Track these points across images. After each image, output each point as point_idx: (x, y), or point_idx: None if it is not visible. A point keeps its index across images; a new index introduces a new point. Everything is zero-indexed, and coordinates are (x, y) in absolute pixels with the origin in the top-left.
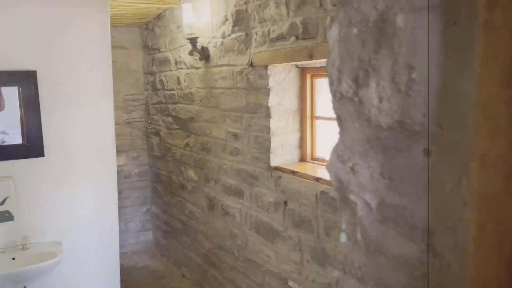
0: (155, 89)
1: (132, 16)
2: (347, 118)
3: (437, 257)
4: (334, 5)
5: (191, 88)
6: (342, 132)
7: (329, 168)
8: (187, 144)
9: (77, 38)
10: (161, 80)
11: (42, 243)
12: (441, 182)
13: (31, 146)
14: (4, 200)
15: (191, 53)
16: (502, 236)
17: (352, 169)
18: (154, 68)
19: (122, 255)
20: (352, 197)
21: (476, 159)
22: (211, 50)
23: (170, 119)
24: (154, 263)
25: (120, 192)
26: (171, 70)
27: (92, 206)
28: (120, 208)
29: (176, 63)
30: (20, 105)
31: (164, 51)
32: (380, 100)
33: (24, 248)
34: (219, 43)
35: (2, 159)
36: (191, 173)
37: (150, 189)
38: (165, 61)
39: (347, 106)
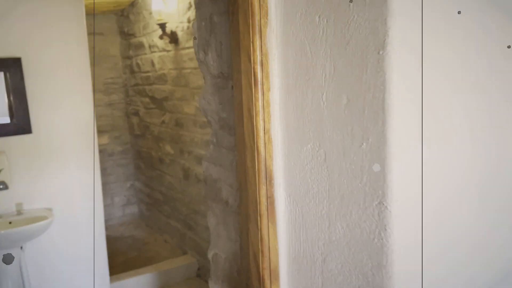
0: (132, 72)
1: (108, 4)
2: (205, 73)
3: (236, 136)
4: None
5: (164, 70)
6: (205, 83)
7: (199, 104)
8: (163, 122)
9: (56, 26)
10: (137, 64)
11: (34, 209)
12: (237, 101)
13: (19, 124)
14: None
15: (161, 37)
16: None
17: (208, 102)
18: (131, 52)
19: (109, 227)
20: (210, 118)
21: (234, 86)
22: (179, 34)
23: (147, 99)
24: (139, 232)
25: (104, 169)
26: (145, 54)
27: (77, 176)
28: (106, 184)
29: (149, 47)
30: (7, 88)
31: (139, 36)
32: (213, 61)
33: (19, 213)
34: (185, 27)
35: None
36: (168, 147)
37: (133, 165)
38: (140, 46)
39: (203, 66)
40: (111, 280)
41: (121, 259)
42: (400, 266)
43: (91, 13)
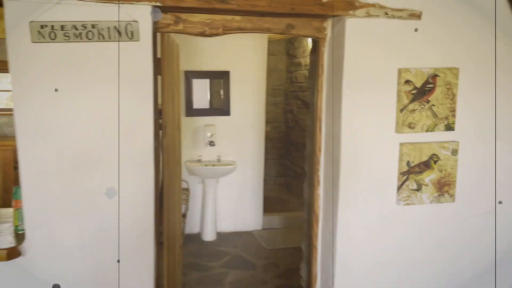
0: (291, 82)
1: (280, 35)
2: (310, 95)
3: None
4: None
5: None
6: (311, 99)
7: (308, 98)
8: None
9: (248, 51)
10: (295, 76)
11: (227, 160)
12: (315, 104)
13: (224, 109)
14: (212, 135)
15: None
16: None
17: (310, 101)
18: (292, 68)
19: (263, 190)
20: (309, 101)
21: None
22: None
23: (299, 102)
24: (283, 195)
25: (265, 148)
26: (301, 70)
27: (251, 145)
28: (265, 160)
29: (304, 65)
30: (223, 88)
31: (299, 58)
32: (312, 93)
33: (218, 161)
34: None
35: (212, 115)
36: None
37: (285, 148)
38: (298, 64)
39: (310, 92)
40: (264, 215)
41: (269, 209)
42: None
43: (270, 41)
